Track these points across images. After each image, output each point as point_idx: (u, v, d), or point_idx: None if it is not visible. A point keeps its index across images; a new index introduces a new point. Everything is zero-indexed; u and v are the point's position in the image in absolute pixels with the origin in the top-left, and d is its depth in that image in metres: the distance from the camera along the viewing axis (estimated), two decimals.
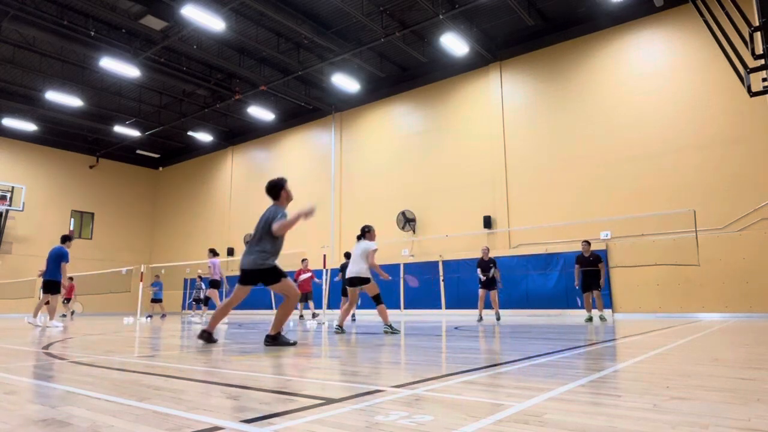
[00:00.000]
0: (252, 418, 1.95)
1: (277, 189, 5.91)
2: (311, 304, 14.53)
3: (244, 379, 3.04)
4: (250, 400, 2.34)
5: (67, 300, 21.45)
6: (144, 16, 15.40)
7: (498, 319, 11.81)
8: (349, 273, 7.74)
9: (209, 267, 13.03)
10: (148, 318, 16.74)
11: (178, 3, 14.31)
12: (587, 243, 11.40)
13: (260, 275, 5.58)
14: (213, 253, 13.33)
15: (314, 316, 14.28)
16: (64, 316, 20.82)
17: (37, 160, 25.87)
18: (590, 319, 10.92)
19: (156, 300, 18.14)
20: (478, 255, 16.72)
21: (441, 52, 17.50)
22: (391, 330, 7.44)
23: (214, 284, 13.09)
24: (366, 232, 7.99)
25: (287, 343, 5.45)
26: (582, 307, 12.45)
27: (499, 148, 17.11)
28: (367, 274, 7.65)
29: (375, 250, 7.73)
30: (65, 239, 10.65)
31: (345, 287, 8.75)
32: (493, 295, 11.74)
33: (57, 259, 10.35)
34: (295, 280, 13.98)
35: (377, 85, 20.17)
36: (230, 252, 24.63)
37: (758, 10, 6.64)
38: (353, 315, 14.35)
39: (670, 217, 13.58)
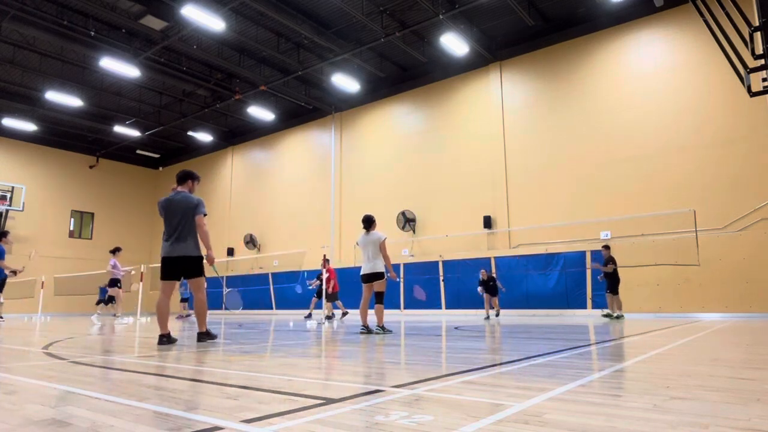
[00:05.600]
0: (252, 418, 1.95)
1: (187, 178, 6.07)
2: (339, 303, 14.14)
3: (244, 379, 3.04)
4: (250, 400, 2.34)
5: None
6: (144, 16, 15.40)
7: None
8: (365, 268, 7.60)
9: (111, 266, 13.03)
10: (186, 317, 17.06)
11: (178, 3, 14.31)
12: (607, 248, 12.40)
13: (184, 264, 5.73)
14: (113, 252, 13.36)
15: (344, 315, 14.11)
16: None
17: (37, 160, 25.87)
18: (607, 315, 11.89)
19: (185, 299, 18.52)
20: (479, 255, 16.82)
21: (441, 52, 17.49)
22: (383, 331, 7.33)
23: (114, 282, 13.08)
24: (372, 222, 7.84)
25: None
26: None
27: (499, 148, 17.11)
28: (381, 269, 7.53)
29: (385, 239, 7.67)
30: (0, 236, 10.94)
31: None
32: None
33: None
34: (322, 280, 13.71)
35: (377, 85, 20.17)
36: (230, 252, 24.64)
37: (758, 10, 6.64)
38: (343, 313, 14.21)
39: (670, 217, 13.58)
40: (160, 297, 5.75)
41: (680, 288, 13.23)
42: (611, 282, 11.91)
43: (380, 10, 15.56)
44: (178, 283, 5.96)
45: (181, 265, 5.70)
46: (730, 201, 12.95)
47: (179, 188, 5.93)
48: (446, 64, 18.32)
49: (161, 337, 5.66)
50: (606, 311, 12.13)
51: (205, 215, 5.77)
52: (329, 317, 13.48)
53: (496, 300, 13.76)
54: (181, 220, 5.65)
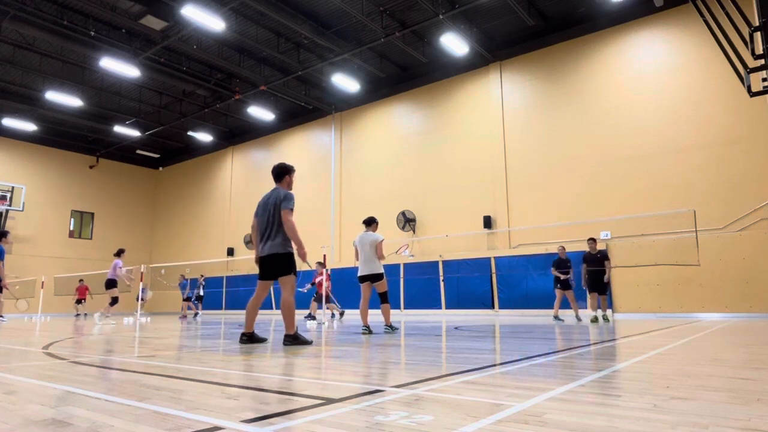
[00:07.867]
0: (252, 418, 1.95)
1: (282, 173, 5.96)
2: (332, 306, 14.21)
3: (244, 379, 3.04)
4: (250, 400, 2.34)
5: (80, 301, 21.62)
6: (144, 16, 15.40)
7: (579, 319, 11.09)
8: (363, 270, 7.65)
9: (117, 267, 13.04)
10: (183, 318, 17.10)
11: (178, 3, 14.31)
12: (593, 240, 10.98)
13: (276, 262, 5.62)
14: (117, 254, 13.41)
15: (341, 315, 14.15)
16: (77, 315, 20.92)
17: (37, 160, 25.87)
18: (595, 319, 10.64)
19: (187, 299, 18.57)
20: (479, 255, 16.81)
21: (441, 52, 17.50)
22: (392, 329, 7.42)
23: (112, 284, 13.07)
24: (372, 222, 7.87)
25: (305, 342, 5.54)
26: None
27: (498, 148, 17.11)
28: (380, 270, 7.56)
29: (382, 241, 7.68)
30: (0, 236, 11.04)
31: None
32: (570, 294, 11.08)
33: None
34: (313, 284, 13.80)
35: (377, 85, 20.17)
36: (230, 252, 24.62)
37: (758, 10, 6.63)
38: (341, 313, 14.22)
39: (670, 217, 13.58)
40: (253, 296, 5.73)
41: (680, 288, 13.23)
42: (602, 279, 10.69)
43: (380, 10, 15.56)
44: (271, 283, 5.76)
45: (273, 263, 5.62)
46: (730, 201, 12.95)
47: (276, 185, 5.90)
48: (446, 64, 18.32)
49: (242, 335, 5.71)
50: (597, 314, 10.88)
51: (291, 209, 5.58)
52: (313, 317, 13.55)
53: (571, 295, 11.09)
54: (271, 217, 5.65)
